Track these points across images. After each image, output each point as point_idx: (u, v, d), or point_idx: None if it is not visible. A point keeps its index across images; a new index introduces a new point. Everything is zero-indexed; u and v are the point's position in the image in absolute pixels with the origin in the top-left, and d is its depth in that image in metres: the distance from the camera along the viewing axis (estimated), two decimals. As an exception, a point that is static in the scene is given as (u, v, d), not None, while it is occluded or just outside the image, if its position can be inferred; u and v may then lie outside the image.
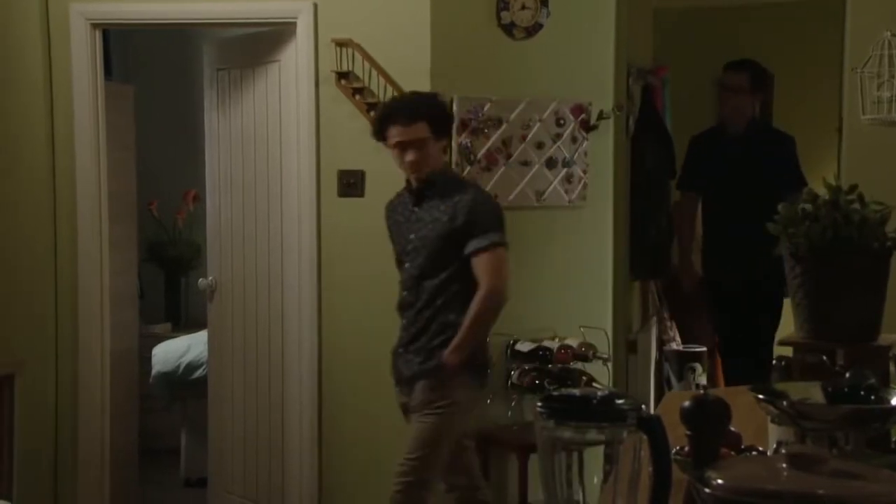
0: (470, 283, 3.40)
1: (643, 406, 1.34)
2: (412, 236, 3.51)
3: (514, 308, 4.32)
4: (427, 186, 3.49)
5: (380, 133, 3.52)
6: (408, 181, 3.57)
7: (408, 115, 3.45)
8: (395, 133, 3.45)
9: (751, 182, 4.77)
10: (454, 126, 3.95)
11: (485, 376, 3.55)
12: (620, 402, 1.34)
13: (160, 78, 6.24)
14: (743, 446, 1.87)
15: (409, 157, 3.44)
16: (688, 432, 1.35)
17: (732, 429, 1.74)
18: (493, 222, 3.41)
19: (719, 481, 1.12)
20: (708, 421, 1.35)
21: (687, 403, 1.37)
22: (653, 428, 1.29)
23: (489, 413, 4.27)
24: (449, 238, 3.39)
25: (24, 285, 4.26)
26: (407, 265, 3.53)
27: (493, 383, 4.24)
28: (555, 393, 1.42)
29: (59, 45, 4.26)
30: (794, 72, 4.98)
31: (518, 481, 4.16)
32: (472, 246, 3.36)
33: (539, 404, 1.35)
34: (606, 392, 1.37)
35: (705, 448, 1.32)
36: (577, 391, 1.46)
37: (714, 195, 5.06)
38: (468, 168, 4.18)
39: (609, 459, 1.32)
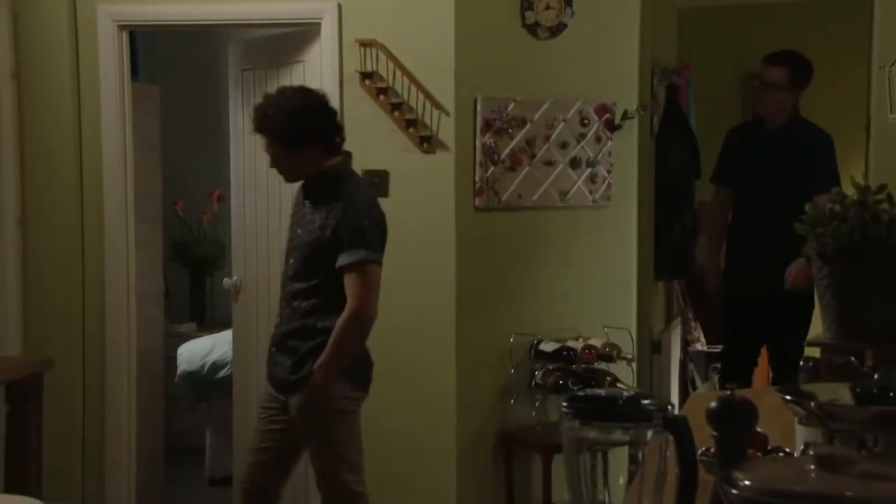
0: (341, 294, 3.15)
1: (669, 406, 1.33)
2: (298, 231, 3.29)
3: (538, 308, 4.33)
4: (309, 185, 3.29)
5: None
6: None
7: (255, 126, 3.25)
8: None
9: (783, 180, 4.59)
10: (479, 126, 3.93)
11: (366, 378, 3.32)
12: (646, 402, 1.33)
13: (186, 78, 6.28)
14: (770, 447, 1.86)
15: (271, 164, 3.30)
16: (714, 433, 1.34)
17: (759, 430, 1.73)
18: (363, 237, 3.13)
19: (746, 482, 1.12)
20: (734, 422, 1.34)
21: (713, 404, 1.36)
22: (679, 428, 1.28)
23: (513, 413, 4.27)
24: (319, 247, 3.17)
25: (51, 284, 4.31)
26: (291, 261, 3.31)
27: (517, 383, 4.26)
28: (580, 393, 1.42)
29: (86, 46, 4.29)
30: (821, 70, 4.92)
31: (542, 482, 4.16)
32: (341, 260, 3.13)
33: (564, 404, 1.35)
34: (632, 392, 1.37)
35: (732, 449, 1.32)
36: (602, 391, 1.45)
37: (744, 192, 4.87)
38: (492, 168, 4.18)
39: (634, 460, 1.32)
